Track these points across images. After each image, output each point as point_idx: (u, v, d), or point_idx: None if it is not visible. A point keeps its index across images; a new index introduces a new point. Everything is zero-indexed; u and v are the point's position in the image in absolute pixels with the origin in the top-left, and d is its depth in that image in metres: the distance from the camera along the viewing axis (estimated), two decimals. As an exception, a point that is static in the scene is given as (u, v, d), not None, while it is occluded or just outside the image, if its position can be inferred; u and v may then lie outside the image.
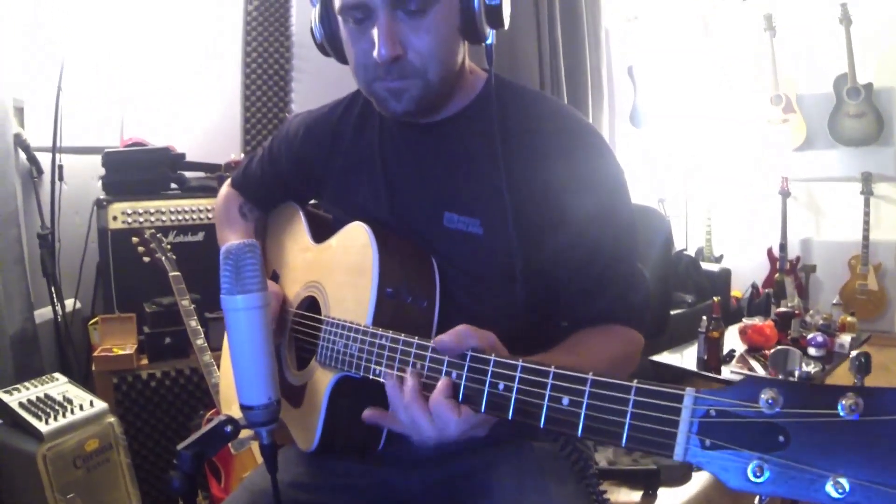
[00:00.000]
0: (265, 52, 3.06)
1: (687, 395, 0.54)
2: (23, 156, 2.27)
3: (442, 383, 0.74)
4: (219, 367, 1.78)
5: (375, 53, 0.86)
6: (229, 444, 1.34)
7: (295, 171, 1.21)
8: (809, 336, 2.76)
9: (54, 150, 2.29)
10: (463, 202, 0.98)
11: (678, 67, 4.96)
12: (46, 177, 2.34)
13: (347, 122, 1.13)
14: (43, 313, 2.24)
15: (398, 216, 1.03)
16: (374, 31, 0.86)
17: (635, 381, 0.58)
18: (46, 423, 1.67)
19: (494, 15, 0.92)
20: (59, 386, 1.86)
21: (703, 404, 0.53)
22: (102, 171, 2.30)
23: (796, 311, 2.99)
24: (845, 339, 2.86)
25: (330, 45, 0.99)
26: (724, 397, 0.52)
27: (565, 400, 0.62)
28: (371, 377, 0.85)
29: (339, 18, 0.93)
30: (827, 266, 4.64)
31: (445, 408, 0.73)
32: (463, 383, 0.73)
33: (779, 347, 2.46)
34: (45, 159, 2.32)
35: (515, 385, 0.67)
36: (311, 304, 1.10)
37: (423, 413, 0.75)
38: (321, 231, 1.14)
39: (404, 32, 0.87)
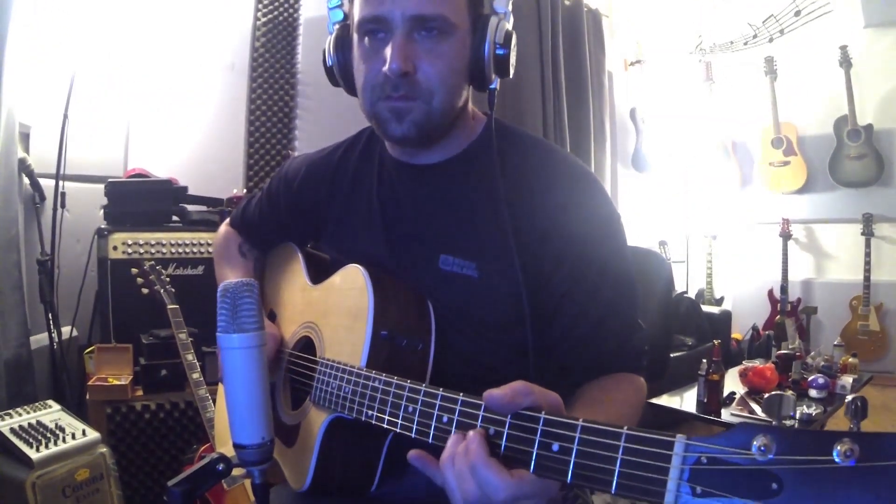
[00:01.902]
0: (270, 88, 3.09)
1: (678, 443, 0.53)
2: (26, 181, 2.28)
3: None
4: (214, 401, 1.77)
5: (386, 67, 0.88)
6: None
7: (293, 212, 1.22)
8: (811, 378, 2.75)
9: (58, 177, 2.31)
10: (459, 245, 0.98)
11: (680, 110, 5.02)
12: (49, 203, 2.35)
13: (347, 164, 1.14)
14: (39, 339, 2.23)
15: (396, 258, 1.03)
16: (388, 49, 0.88)
17: (625, 427, 0.57)
18: (37, 450, 1.64)
19: (501, 65, 0.95)
20: (51, 413, 1.83)
21: (695, 451, 0.52)
22: (105, 201, 2.31)
23: (797, 353, 2.97)
24: (847, 380, 2.85)
25: (340, 72, 1.00)
26: (716, 444, 0.51)
27: (555, 446, 0.61)
28: (363, 419, 0.85)
29: (355, 36, 0.94)
30: (828, 307, 4.63)
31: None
32: (453, 428, 0.72)
33: (773, 392, 2.43)
34: (48, 186, 2.33)
35: (506, 431, 0.66)
36: (306, 344, 1.10)
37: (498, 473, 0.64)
38: (319, 272, 1.15)
39: (417, 53, 0.89)
